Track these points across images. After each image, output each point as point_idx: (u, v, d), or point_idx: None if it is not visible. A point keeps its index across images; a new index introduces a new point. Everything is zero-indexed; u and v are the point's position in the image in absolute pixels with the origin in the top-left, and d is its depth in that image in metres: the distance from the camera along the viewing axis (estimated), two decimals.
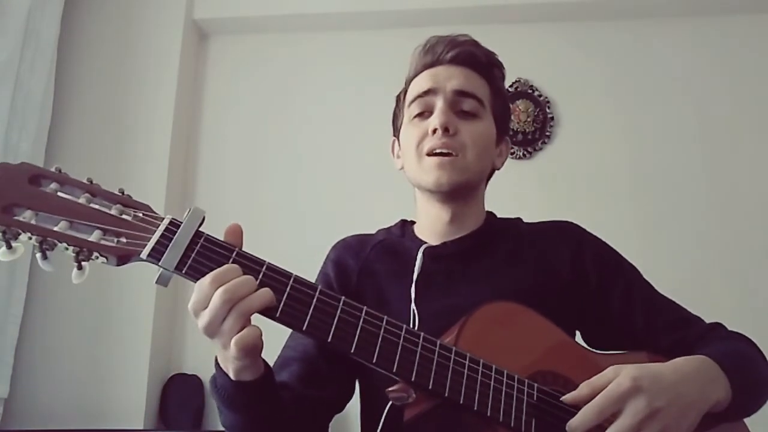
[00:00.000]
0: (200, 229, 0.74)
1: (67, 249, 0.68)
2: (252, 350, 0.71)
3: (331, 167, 2.47)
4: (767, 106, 2.34)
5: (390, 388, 0.77)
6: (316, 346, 0.96)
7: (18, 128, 2.15)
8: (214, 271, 0.70)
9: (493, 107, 1.03)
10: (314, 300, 0.73)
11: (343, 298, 0.75)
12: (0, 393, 2.07)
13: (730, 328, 0.99)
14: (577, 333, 1.02)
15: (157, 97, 2.47)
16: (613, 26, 2.48)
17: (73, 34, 2.50)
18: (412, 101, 1.02)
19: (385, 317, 0.76)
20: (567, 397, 0.78)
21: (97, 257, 0.69)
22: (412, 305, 0.92)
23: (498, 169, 1.07)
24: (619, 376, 0.75)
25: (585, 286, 0.99)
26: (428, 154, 0.97)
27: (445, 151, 0.96)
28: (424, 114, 1.00)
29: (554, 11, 2.47)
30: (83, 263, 0.69)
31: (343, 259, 1.05)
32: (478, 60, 1.02)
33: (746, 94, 2.36)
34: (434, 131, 0.96)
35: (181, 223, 0.73)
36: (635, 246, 2.18)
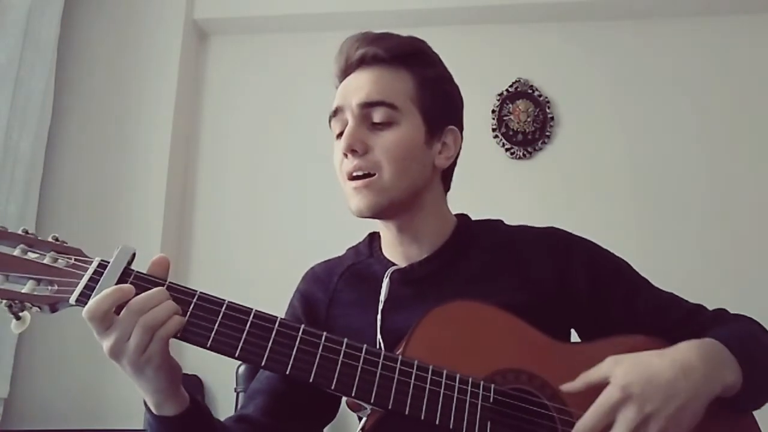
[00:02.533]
0: (131, 266, 0.75)
1: (0, 302, 0.71)
2: (159, 367, 0.72)
3: (331, 167, 2.47)
4: (767, 106, 2.34)
5: (346, 400, 0.78)
6: (282, 378, 0.93)
7: (18, 128, 2.16)
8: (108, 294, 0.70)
9: (420, 102, 0.93)
10: (247, 326, 0.73)
11: (279, 318, 0.74)
12: (0, 393, 2.07)
13: None
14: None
15: (157, 97, 2.47)
16: (613, 26, 2.48)
17: (73, 34, 2.50)
18: (330, 122, 0.97)
19: (324, 334, 0.75)
20: (564, 386, 0.79)
21: (31, 307, 0.71)
22: (378, 334, 0.89)
23: (444, 167, 0.98)
24: (610, 384, 0.75)
25: (576, 297, 0.93)
26: (349, 179, 0.91)
27: (360, 173, 0.89)
28: (342, 134, 0.93)
29: (554, 11, 2.47)
30: (20, 314, 0.71)
31: (311, 291, 1.01)
32: (387, 56, 0.92)
33: (746, 95, 2.36)
34: (345, 154, 0.91)
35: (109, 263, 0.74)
36: (635, 246, 2.18)
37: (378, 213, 0.91)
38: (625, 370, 0.75)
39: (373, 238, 1.04)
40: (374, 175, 0.89)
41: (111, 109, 2.48)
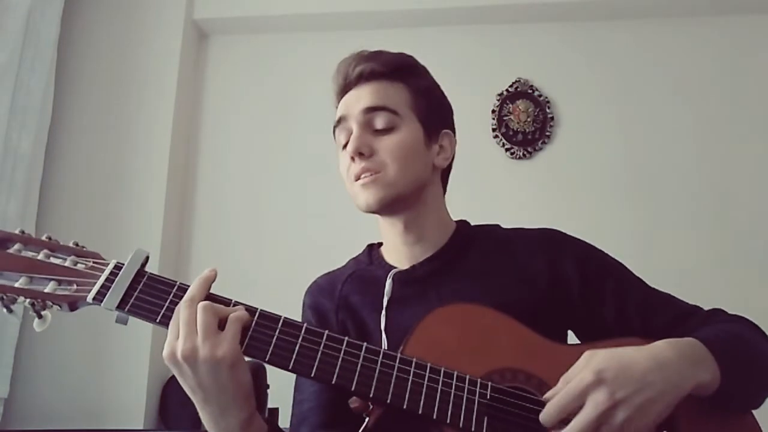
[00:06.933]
0: (144, 268, 0.81)
1: (24, 301, 0.78)
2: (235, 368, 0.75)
3: (331, 167, 2.47)
4: (767, 106, 2.34)
5: (350, 399, 0.79)
6: (327, 387, 0.95)
7: (18, 128, 2.16)
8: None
9: (417, 109, 1.00)
10: (253, 323, 0.77)
11: (283, 317, 0.79)
12: (0, 393, 2.08)
13: None
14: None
15: (157, 97, 2.47)
16: (613, 26, 2.48)
17: (73, 34, 2.50)
18: (334, 132, 1.04)
19: (326, 332, 0.78)
20: (547, 395, 0.78)
21: (52, 305, 0.78)
22: (382, 332, 0.93)
23: (443, 167, 1.04)
24: (584, 369, 0.75)
25: (568, 294, 0.96)
26: (356, 180, 0.96)
27: (368, 174, 0.95)
28: (347, 143, 0.99)
29: (554, 11, 2.47)
30: (42, 312, 0.78)
31: (319, 302, 1.05)
32: (383, 70, 0.99)
33: (746, 95, 2.36)
34: (353, 158, 0.96)
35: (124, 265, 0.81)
36: (634, 246, 2.19)
37: (385, 206, 0.96)
38: (600, 359, 0.76)
39: (372, 248, 1.09)
40: (379, 172, 0.95)
41: (111, 108, 2.48)
